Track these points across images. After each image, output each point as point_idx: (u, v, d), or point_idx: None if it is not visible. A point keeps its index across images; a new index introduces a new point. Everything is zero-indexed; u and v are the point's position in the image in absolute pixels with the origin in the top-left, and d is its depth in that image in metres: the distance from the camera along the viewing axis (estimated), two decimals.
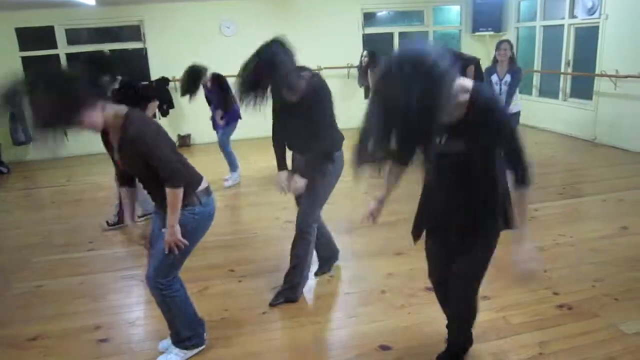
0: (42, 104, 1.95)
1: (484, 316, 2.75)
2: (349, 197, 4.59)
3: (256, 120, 7.17)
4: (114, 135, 2.24)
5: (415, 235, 2.22)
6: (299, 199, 3.14)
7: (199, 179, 2.42)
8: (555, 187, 5.27)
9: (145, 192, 2.48)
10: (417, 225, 2.23)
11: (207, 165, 5.80)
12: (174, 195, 2.24)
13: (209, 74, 5.42)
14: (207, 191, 2.45)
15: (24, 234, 4.78)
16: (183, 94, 5.34)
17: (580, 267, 3.45)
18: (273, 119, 3.06)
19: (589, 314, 2.86)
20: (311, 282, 3.38)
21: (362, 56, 6.50)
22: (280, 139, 3.09)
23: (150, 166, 2.20)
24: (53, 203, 5.84)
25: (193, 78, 5.28)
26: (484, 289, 3.24)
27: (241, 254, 3.95)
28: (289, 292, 3.15)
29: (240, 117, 5.69)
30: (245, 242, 4.24)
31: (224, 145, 5.81)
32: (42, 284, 3.66)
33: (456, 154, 1.86)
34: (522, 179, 1.83)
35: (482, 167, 1.90)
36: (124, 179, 2.48)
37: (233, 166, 5.91)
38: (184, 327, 2.56)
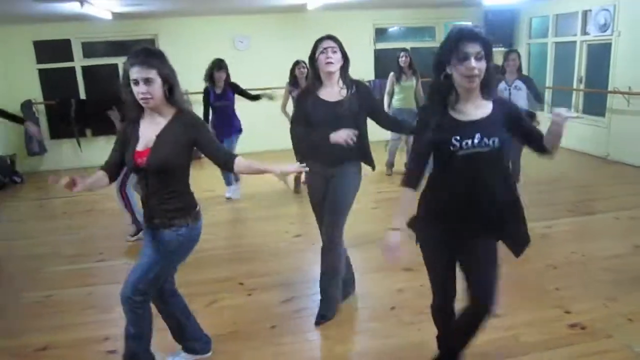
0: None
1: (493, 334, 2.72)
2: (358, 211, 4.59)
3: (267, 133, 7.24)
4: (151, 124, 2.21)
5: (424, 234, 2.16)
6: (320, 209, 3.07)
7: (195, 202, 2.39)
8: (567, 204, 5.22)
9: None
10: (427, 222, 2.12)
11: (220, 179, 5.83)
12: (243, 165, 2.30)
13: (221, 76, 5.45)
14: (198, 215, 2.38)
15: (35, 243, 4.82)
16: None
17: (593, 285, 3.40)
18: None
19: (602, 334, 2.81)
20: (320, 296, 3.36)
21: (399, 56, 6.33)
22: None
23: (184, 158, 2.25)
24: (64, 213, 5.89)
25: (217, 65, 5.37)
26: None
27: (250, 268, 3.95)
28: (328, 307, 3.10)
29: (241, 131, 5.70)
30: (254, 255, 4.23)
31: None
32: (52, 293, 3.68)
33: (488, 152, 1.92)
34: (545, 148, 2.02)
35: (505, 162, 2.07)
36: (112, 169, 2.32)
37: (230, 179, 5.85)
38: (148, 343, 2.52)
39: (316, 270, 3.66)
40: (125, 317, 2.38)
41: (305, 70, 5.53)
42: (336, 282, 3.09)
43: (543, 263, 3.75)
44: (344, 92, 2.86)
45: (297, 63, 5.72)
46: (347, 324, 3.09)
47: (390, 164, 6.59)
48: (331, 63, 2.79)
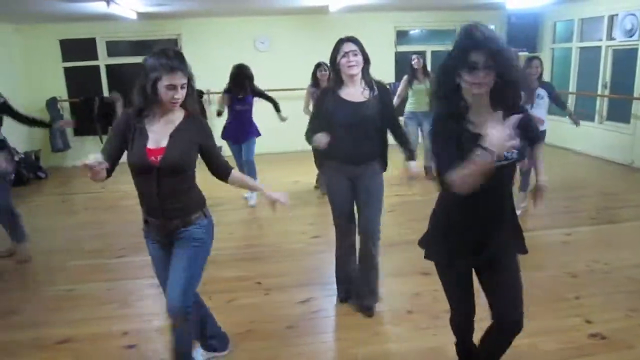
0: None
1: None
2: None
3: (282, 135, 7.26)
4: (162, 122, 2.18)
5: (439, 251, 2.07)
6: (346, 206, 3.09)
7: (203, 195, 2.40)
8: (589, 212, 5.14)
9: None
10: (449, 249, 2.02)
11: None
12: (237, 178, 2.39)
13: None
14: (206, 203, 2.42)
15: (57, 238, 4.92)
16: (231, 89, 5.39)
17: (615, 295, 3.34)
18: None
19: (623, 344, 2.76)
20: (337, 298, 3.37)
21: (412, 59, 6.31)
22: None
23: (195, 158, 2.25)
24: (87, 209, 6.00)
25: (245, 75, 5.35)
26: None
27: (268, 267, 3.97)
28: (374, 298, 3.18)
29: (259, 134, 5.69)
30: (272, 255, 4.26)
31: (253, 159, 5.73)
32: (73, 288, 3.75)
33: (507, 165, 1.87)
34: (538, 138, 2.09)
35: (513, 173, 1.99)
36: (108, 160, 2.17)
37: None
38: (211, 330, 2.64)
39: (334, 272, 3.68)
40: (174, 334, 2.35)
41: (327, 72, 5.52)
42: (377, 274, 3.17)
43: (562, 271, 3.70)
44: (367, 93, 2.89)
45: (318, 65, 5.70)
46: (363, 326, 3.08)
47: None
48: (353, 66, 2.82)
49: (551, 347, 2.75)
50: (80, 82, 8.39)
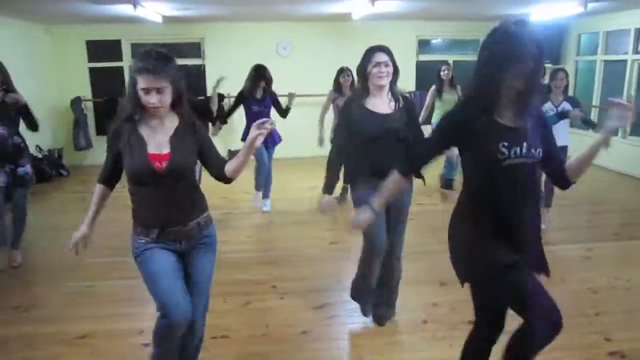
0: None
1: None
2: None
3: (301, 140, 7.29)
4: (157, 126, 2.07)
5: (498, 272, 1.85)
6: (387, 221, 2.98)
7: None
8: (612, 227, 5.05)
9: None
10: (496, 259, 1.85)
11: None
12: (232, 167, 2.15)
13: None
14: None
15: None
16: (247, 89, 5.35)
17: (636, 313, 3.28)
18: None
19: None
20: (354, 305, 3.36)
21: (441, 69, 6.26)
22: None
23: (195, 161, 2.16)
24: (106, 207, 6.03)
25: (260, 74, 5.30)
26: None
27: (284, 272, 3.98)
28: (387, 311, 3.16)
29: (281, 140, 5.59)
30: (288, 259, 4.26)
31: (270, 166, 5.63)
32: (93, 284, 3.81)
33: (531, 165, 1.83)
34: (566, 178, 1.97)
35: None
36: (111, 181, 2.23)
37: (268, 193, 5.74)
38: None
39: (350, 278, 3.67)
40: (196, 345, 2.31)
41: (350, 78, 5.49)
42: (397, 288, 3.17)
43: (583, 286, 3.64)
44: (392, 104, 2.84)
45: (341, 70, 5.64)
46: (378, 334, 3.07)
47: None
48: (384, 77, 2.77)
49: None
50: (104, 82, 8.53)
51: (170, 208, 2.09)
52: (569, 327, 3.03)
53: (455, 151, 2.01)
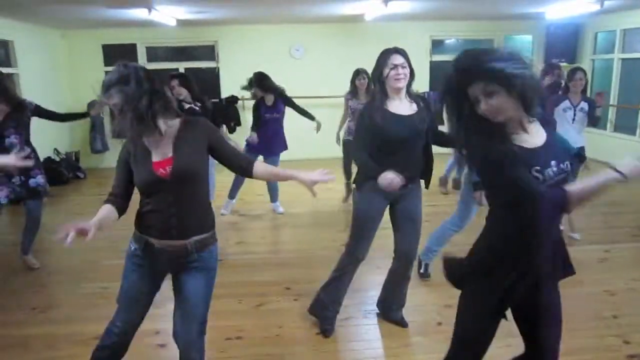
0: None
1: None
2: None
3: (313, 141, 7.27)
4: (165, 141, 1.98)
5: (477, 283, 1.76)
6: (373, 225, 2.95)
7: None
8: (630, 228, 4.97)
9: None
10: (486, 272, 1.73)
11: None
12: (262, 170, 2.13)
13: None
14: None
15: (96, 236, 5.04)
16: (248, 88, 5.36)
17: None
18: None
19: None
20: (368, 307, 3.36)
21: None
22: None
23: (205, 163, 2.04)
24: None
25: (261, 78, 5.27)
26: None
27: (298, 273, 3.98)
28: (401, 311, 3.18)
29: (286, 148, 5.51)
30: (302, 261, 4.27)
31: None
32: (108, 286, 3.84)
33: (563, 180, 1.67)
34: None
35: None
36: (121, 200, 2.07)
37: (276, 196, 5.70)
38: None
39: (362, 281, 3.67)
40: None
41: (366, 80, 5.42)
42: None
43: (600, 288, 3.59)
44: (414, 106, 2.81)
45: (357, 72, 5.54)
46: (392, 336, 3.06)
47: (446, 180, 6.43)
48: (401, 79, 2.72)
49: None
50: None
51: (179, 217, 1.97)
52: (587, 330, 3.01)
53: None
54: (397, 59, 2.71)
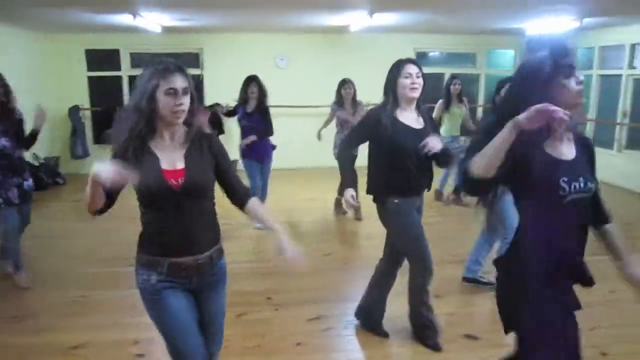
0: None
1: None
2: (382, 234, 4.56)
3: (298, 151, 7.27)
4: (167, 142, 1.89)
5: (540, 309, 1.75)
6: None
7: None
8: None
9: None
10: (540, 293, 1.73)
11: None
12: (255, 208, 2.05)
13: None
14: None
15: (72, 244, 4.97)
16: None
17: (632, 327, 3.28)
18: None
19: None
20: (349, 317, 3.36)
21: (452, 83, 6.16)
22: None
23: (213, 177, 1.97)
24: (102, 217, 6.05)
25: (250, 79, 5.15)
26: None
27: (279, 283, 3.96)
28: (437, 335, 3.04)
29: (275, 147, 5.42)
30: (283, 271, 4.22)
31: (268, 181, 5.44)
32: (86, 294, 3.79)
33: (588, 199, 1.71)
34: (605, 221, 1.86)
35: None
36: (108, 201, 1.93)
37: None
38: None
39: (345, 290, 3.67)
40: None
41: (352, 90, 5.45)
42: None
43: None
44: (421, 120, 2.83)
45: (344, 82, 5.54)
46: (373, 346, 3.06)
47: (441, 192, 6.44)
48: (416, 89, 2.73)
49: None
50: (102, 91, 8.56)
51: (184, 234, 1.86)
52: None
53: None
54: (413, 68, 2.73)
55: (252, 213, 2.05)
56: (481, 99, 9.27)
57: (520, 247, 1.75)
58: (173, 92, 1.79)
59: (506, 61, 9.48)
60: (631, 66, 7.32)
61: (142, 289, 1.91)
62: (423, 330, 3.01)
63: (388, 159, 2.76)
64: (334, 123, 5.71)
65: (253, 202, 2.05)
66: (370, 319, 3.18)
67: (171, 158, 1.86)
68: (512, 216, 3.33)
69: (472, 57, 9.21)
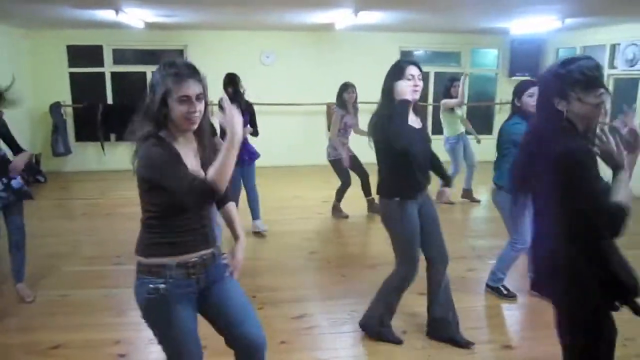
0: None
1: None
2: (366, 232, 4.57)
3: (285, 149, 7.25)
4: (188, 146, 1.87)
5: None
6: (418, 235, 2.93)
7: None
8: None
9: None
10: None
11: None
12: (230, 213, 2.10)
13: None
14: None
15: (54, 242, 4.90)
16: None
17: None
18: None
19: None
20: (334, 315, 3.36)
21: (453, 85, 6.07)
22: None
23: None
24: (84, 214, 6.00)
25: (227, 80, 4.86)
26: (505, 337, 3.18)
27: (263, 282, 3.95)
28: (456, 330, 3.05)
29: (259, 156, 5.15)
30: (267, 269, 4.24)
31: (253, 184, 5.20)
32: (67, 293, 3.74)
33: None
34: None
35: None
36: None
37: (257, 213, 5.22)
38: None
39: (329, 289, 3.67)
40: None
41: (355, 94, 5.39)
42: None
43: None
44: (419, 120, 2.89)
45: (346, 86, 5.43)
46: (357, 345, 3.07)
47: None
48: (418, 91, 2.76)
49: None
50: (84, 88, 8.43)
51: (199, 231, 1.88)
52: (549, 337, 3.07)
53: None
54: (415, 70, 2.74)
55: (227, 215, 2.07)
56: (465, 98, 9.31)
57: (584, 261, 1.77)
58: (186, 100, 1.74)
59: (490, 60, 9.57)
60: (612, 66, 7.43)
61: (148, 299, 1.85)
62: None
63: (395, 160, 2.78)
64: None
65: (231, 205, 2.07)
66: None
67: (190, 160, 1.84)
68: (527, 224, 3.34)
69: (457, 56, 9.27)
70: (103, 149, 8.15)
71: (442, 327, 3.04)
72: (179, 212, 1.82)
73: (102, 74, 8.39)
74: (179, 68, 1.75)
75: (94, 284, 3.87)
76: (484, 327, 3.33)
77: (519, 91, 3.41)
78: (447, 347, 2.96)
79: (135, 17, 6.56)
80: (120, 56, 8.52)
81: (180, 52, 8.47)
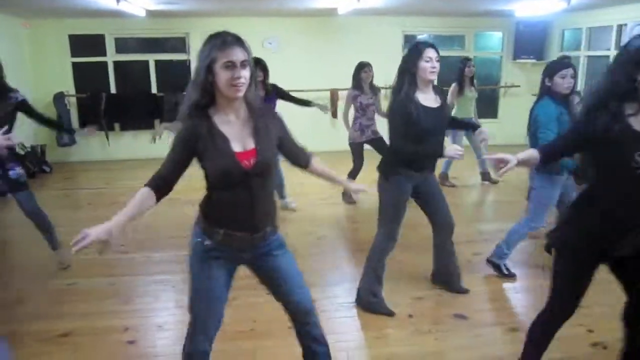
0: None
1: (510, 349, 2.71)
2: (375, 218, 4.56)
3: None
4: (231, 120, 1.88)
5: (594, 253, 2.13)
6: (404, 208, 3.12)
7: None
8: None
9: None
10: (582, 237, 2.08)
11: None
12: (318, 167, 2.24)
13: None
14: None
15: (60, 232, 4.87)
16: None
17: (618, 306, 3.28)
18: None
19: None
20: (340, 300, 3.37)
21: (467, 65, 6.08)
22: None
23: (277, 154, 2.05)
24: (89, 204, 6.02)
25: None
26: (511, 320, 3.18)
27: None
28: (461, 281, 3.45)
29: None
30: None
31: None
32: (75, 282, 3.76)
33: None
34: None
35: None
36: (165, 184, 1.86)
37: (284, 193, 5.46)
38: None
39: (333, 274, 3.68)
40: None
41: (371, 73, 5.30)
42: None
43: None
44: (438, 98, 2.99)
45: (362, 65, 5.32)
46: (364, 329, 3.08)
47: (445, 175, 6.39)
48: (435, 72, 2.88)
49: (554, 355, 2.73)
50: (87, 77, 8.42)
51: (248, 212, 1.91)
52: None
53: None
54: (432, 53, 2.86)
55: (317, 170, 2.22)
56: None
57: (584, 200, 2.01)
58: (231, 65, 1.79)
59: (494, 43, 9.46)
60: (618, 47, 7.33)
61: (193, 247, 1.99)
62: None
63: (407, 139, 2.90)
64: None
65: (314, 162, 2.20)
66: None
67: (240, 138, 1.88)
68: (543, 204, 3.49)
69: (461, 40, 9.17)
70: (107, 138, 8.16)
71: (444, 275, 3.44)
72: (221, 190, 1.90)
73: (105, 64, 8.36)
74: (224, 36, 1.84)
75: (102, 273, 3.89)
76: (491, 310, 3.34)
77: (551, 72, 3.33)
78: (454, 330, 2.98)
79: (136, 5, 6.52)
80: (123, 45, 8.48)
81: (183, 40, 8.43)
